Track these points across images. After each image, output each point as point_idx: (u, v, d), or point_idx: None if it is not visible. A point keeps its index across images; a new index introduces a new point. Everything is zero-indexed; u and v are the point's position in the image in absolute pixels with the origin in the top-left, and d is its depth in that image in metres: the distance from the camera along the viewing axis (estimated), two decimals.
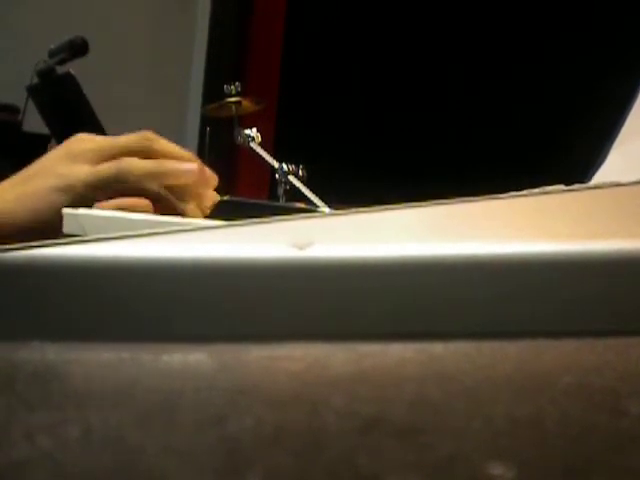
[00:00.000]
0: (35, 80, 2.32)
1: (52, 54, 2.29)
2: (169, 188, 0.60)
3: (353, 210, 0.38)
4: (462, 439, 0.21)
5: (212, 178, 0.63)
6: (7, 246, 0.29)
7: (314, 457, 0.19)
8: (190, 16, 3.86)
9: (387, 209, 0.37)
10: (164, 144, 0.62)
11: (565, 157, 1.87)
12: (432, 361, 0.28)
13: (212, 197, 0.63)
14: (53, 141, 2.41)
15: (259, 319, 0.29)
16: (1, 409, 0.23)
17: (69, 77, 2.24)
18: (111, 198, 0.60)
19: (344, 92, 3.54)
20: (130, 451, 0.20)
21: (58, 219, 0.56)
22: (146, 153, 0.61)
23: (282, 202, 1.95)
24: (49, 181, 0.60)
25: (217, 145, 2.92)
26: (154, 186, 0.60)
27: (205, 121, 3.26)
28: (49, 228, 0.57)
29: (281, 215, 0.35)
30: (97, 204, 0.59)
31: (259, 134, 2.24)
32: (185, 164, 0.60)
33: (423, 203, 0.38)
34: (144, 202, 0.60)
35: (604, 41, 2.99)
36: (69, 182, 0.59)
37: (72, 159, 0.61)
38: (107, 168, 0.59)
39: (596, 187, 0.49)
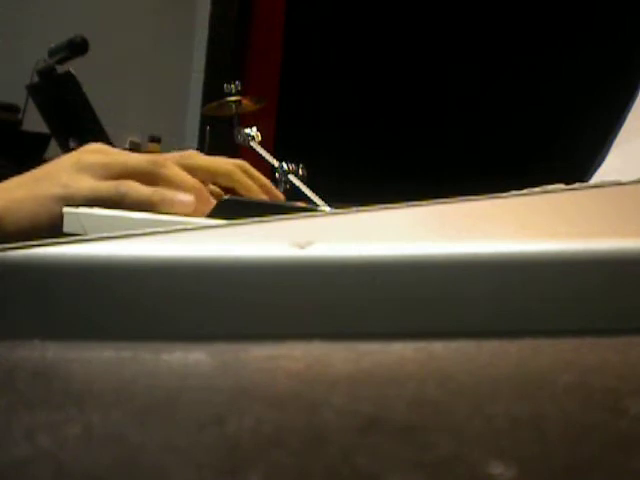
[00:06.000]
0: (35, 79, 2.32)
1: (52, 53, 2.29)
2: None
3: (354, 209, 0.38)
4: (462, 438, 0.21)
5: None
6: (7, 245, 0.29)
7: (314, 456, 0.19)
8: (190, 16, 3.86)
9: (387, 208, 0.37)
10: (171, 171, 0.64)
11: (565, 157, 1.86)
12: (432, 360, 0.28)
13: None
14: (53, 140, 2.41)
15: (259, 318, 0.29)
16: (1, 408, 0.23)
17: (69, 76, 2.24)
18: None
19: (344, 90, 3.53)
20: (130, 449, 0.20)
21: (56, 226, 0.57)
22: (152, 177, 0.62)
23: (282, 201, 1.95)
24: (52, 188, 0.61)
25: (217, 144, 2.92)
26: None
27: (205, 120, 3.27)
28: (47, 234, 0.58)
29: (281, 214, 0.36)
30: None
31: (259, 133, 2.24)
32: (181, 195, 0.62)
33: (423, 202, 0.38)
34: None
35: (604, 41, 2.99)
36: (69, 193, 0.60)
37: (79, 170, 0.62)
38: (106, 187, 0.61)
39: (596, 186, 0.49)
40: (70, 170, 0.62)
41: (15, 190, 0.62)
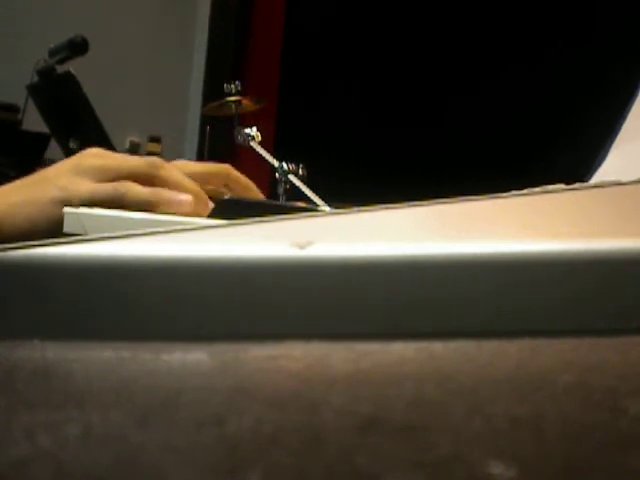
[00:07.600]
0: (35, 79, 2.32)
1: (52, 53, 2.29)
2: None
3: (353, 209, 0.38)
4: (461, 438, 0.21)
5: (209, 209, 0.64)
6: (7, 245, 0.29)
7: (313, 456, 0.19)
8: (190, 16, 3.86)
9: (387, 208, 0.37)
10: (170, 172, 0.64)
11: (565, 157, 1.86)
12: (432, 360, 0.28)
13: None
14: (53, 140, 2.41)
15: (259, 318, 0.29)
16: (1, 408, 0.23)
17: (69, 76, 2.23)
18: None
19: (344, 91, 3.53)
20: (130, 450, 0.20)
21: (54, 229, 0.57)
22: (150, 179, 0.62)
23: (282, 201, 1.95)
24: (50, 191, 0.61)
25: (217, 144, 2.92)
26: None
27: (205, 120, 3.26)
28: (46, 237, 0.58)
29: (281, 214, 0.36)
30: None
31: (259, 133, 2.24)
32: (180, 195, 0.62)
33: (423, 202, 0.38)
34: None
35: (604, 41, 2.99)
36: (67, 196, 0.60)
37: (77, 173, 0.62)
38: (104, 189, 0.61)
39: (596, 186, 0.49)
40: (69, 173, 0.62)
41: (14, 194, 0.62)
